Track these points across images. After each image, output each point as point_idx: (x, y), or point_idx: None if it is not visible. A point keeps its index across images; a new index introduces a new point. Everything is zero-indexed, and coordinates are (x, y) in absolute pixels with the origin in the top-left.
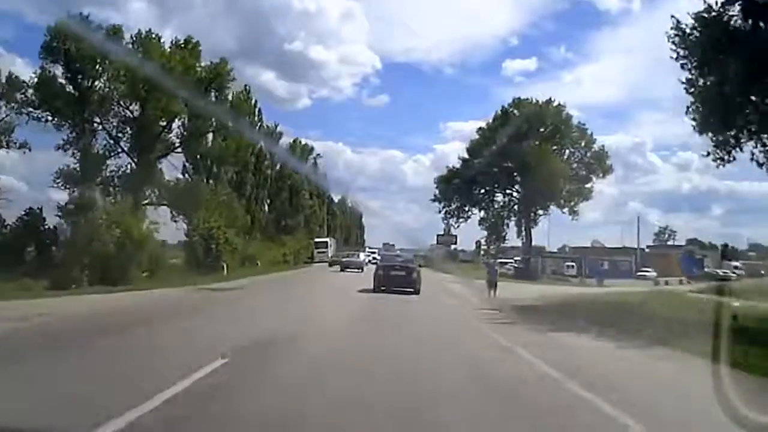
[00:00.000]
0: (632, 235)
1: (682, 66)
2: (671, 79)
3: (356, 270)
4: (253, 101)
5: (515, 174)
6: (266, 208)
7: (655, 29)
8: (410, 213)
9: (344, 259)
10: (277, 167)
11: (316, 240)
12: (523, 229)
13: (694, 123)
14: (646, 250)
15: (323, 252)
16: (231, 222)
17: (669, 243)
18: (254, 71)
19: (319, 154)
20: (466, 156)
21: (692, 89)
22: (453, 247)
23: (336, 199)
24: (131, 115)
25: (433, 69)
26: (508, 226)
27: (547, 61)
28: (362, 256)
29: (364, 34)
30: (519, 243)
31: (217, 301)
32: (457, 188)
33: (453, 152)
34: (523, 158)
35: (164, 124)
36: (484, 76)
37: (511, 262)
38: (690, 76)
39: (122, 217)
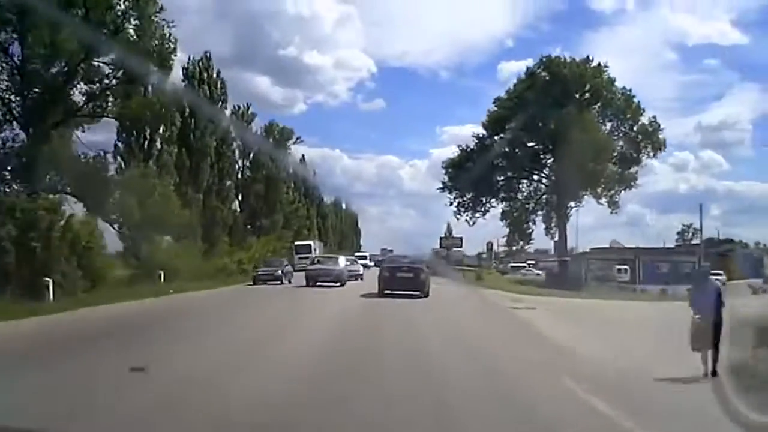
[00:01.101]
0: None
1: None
2: (667, 81)
3: (332, 284)
4: (214, 70)
5: (544, 154)
6: (236, 205)
7: (652, 30)
8: (408, 218)
9: (312, 268)
10: (251, 157)
11: (297, 243)
12: (552, 224)
13: None
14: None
15: (305, 257)
16: (159, 217)
17: (694, 242)
18: (249, 77)
19: (299, 137)
20: (483, 132)
21: None
22: (457, 250)
23: (329, 201)
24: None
25: (428, 72)
26: (534, 222)
27: None
28: (342, 262)
29: (360, 39)
30: (531, 246)
31: None
32: (472, 174)
33: (449, 157)
34: (556, 132)
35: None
36: (479, 79)
37: (525, 267)
38: None
39: None
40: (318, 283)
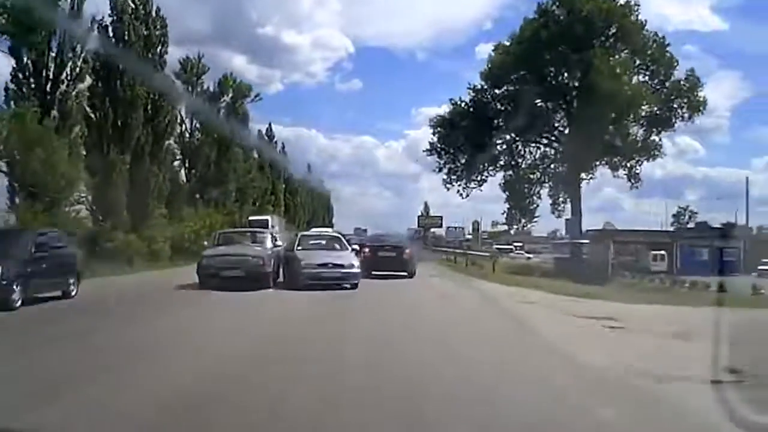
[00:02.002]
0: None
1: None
2: None
3: (242, 277)
4: (153, 6)
5: (555, 112)
6: (183, 173)
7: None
8: (383, 199)
9: (209, 254)
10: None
11: (251, 219)
12: (560, 199)
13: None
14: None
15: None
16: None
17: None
18: (226, 56)
19: (258, 95)
20: (481, 83)
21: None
22: (435, 231)
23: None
24: None
25: (405, 53)
26: (539, 196)
27: None
28: (269, 242)
29: (337, 18)
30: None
31: None
32: (466, 134)
33: (425, 138)
34: (572, 83)
35: None
36: (456, 60)
37: (513, 249)
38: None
39: None
40: (221, 275)
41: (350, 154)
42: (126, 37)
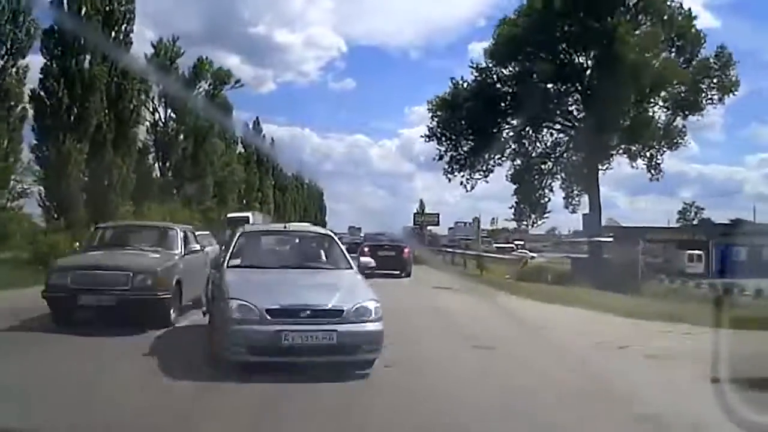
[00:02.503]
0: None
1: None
2: None
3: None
4: None
5: (568, 94)
6: (157, 166)
7: None
8: (377, 197)
9: (68, 265)
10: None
11: (230, 216)
12: (574, 192)
13: None
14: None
15: None
16: None
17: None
18: (219, 56)
19: (239, 81)
20: (487, 61)
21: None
22: (431, 229)
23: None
24: None
25: (398, 52)
26: (551, 190)
27: None
28: (177, 245)
29: (329, 16)
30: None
31: None
32: (470, 118)
33: (418, 137)
34: (590, 59)
35: None
36: (449, 58)
37: (514, 248)
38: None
39: None
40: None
41: (344, 153)
42: (83, 11)
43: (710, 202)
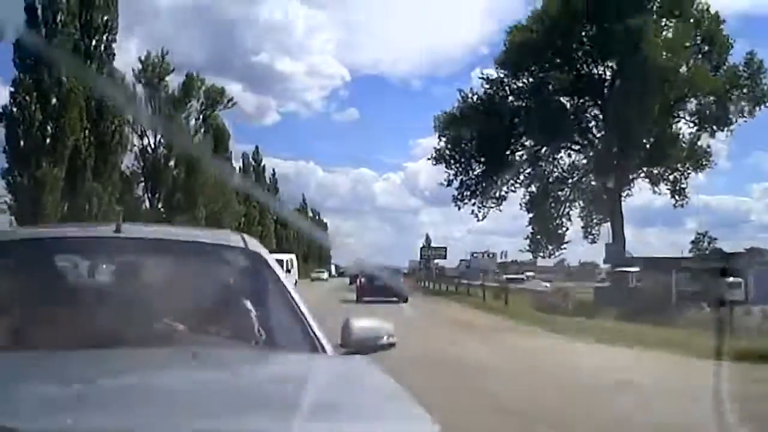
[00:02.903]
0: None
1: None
2: None
3: None
4: None
5: (589, 107)
6: (146, 196)
7: None
8: (383, 232)
9: None
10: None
11: None
12: (593, 220)
13: None
14: None
15: None
16: None
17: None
18: (222, 83)
19: (231, 99)
20: (497, 72)
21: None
22: (438, 262)
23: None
24: None
25: (401, 81)
26: (569, 218)
27: None
28: None
29: (332, 45)
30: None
31: None
32: (481, 136)
33: (423, 171)
34: (609, 69)
35: None
36: (452, 87)
37: (525, 279)
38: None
39: None
40: None
41: (349, 188)
42: (57, 20)
43: (716, 233)
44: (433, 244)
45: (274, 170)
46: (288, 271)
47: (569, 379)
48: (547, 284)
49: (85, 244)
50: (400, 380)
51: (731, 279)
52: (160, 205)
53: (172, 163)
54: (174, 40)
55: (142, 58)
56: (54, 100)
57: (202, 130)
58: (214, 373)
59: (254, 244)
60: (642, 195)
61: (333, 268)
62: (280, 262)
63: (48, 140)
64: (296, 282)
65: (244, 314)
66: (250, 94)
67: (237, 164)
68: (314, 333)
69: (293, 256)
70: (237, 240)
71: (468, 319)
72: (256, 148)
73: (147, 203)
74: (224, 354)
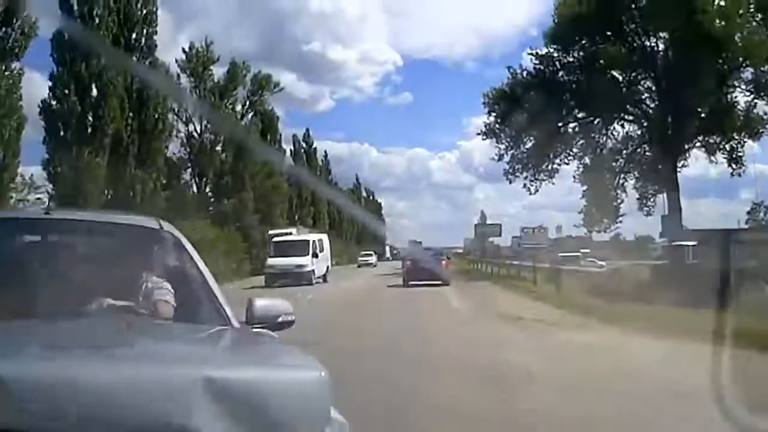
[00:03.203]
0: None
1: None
2: None
3: None
4: None
5: (640, 82)
6: (194, 181)
7: None
8: (439, 210)
9: None
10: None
11: (272, 233)
12: (649, 192)
13: None
14: None
15: (286, 254)
16: None
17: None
18: (275, 73)
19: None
20: (548, 47)
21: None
22: (494, 240)
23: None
24: None
25: (454, 64)
26: (624, 190)
27: None
28: None
29: (383, 32)
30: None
31: None
32: (531, 112)
33: (477, 148)
34: (662, 38)
35: None
36: (504, 69)
37: (580, 257)
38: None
39: None
40: None
41: (403, 168)
42: (94, 14)
43: None
44: (488, 221)
45: (325, 152)
46: (315, 255)
47: (632, 389)
48: (603, 263)
49: (15, 224)
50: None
51: None
52: (207, 190)
53: (219, 148)
54: (225, 33)
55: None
56: (94, 92)
57: (250, 115)
58: (141, 337)
59: (168, 227)
60: (694, 166)
61: (387, 249)
62: (305, 242)
63: (89, 130)
64: (328, 268)
65: (157, 291)
66: (304, 83)
67: (287, 147)
68: (223, 309)
69: (324, 236)
70: (153, 223)
71: (514, 311)
72: (307, 130)
73: (195, 188)
74: (147, 323)
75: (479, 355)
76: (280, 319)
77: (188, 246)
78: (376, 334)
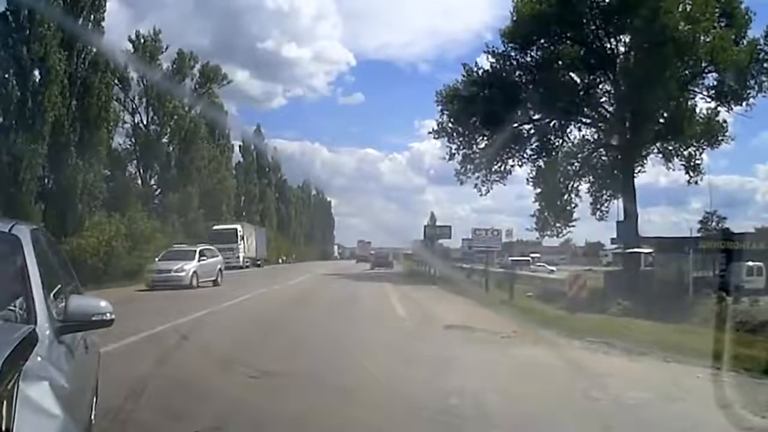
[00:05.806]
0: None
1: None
2: None
3: None
4: None
5: (601, 80)
6: (138, 174)
7: None
8: (388, 211)
9: None
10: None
11: (215, 228)
12: (603, 196)
13: None
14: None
15: (229, 249)
16: None
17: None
18: (228, 70)
19: (226, 76)
20: (505, 45)
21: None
22: (443, 242)
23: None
24: None
25: (407, 66)
26: (578, 194)
27: None
28: None
29: (338, 31)
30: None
31: None
32: (485, 111)
33: (428, 151)
34: (622, 41)
35: None
36: (458, 72)
37: (531, 261)
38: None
39: None
40: None
41: (354, 168)
42: None
43: (724, 213)
44: (438, 223)
45: (275, 148)
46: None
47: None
48: (553, 268)
49: None
50: None
51: (750, 263)
52: (152, 182)
53: (165, 140)
54: (179, 28)
55: (133, 37)
56: (36, 77)
57: (198, 107)
58: None
59: (18, 230)
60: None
61: (336, 248)
62: (228, 232)
63: (24, 113)
64: (221, 270)
65: None
66: (257, 81)
67: (237, 143)
68: (34, 309)
69: (238, 227)
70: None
71: (463, 320)
72: (258, 126)
73: (139, 181)
74: None
75: (423, 378)
76: (94, 318)
77: (27, 249)
78: (295, 348)
